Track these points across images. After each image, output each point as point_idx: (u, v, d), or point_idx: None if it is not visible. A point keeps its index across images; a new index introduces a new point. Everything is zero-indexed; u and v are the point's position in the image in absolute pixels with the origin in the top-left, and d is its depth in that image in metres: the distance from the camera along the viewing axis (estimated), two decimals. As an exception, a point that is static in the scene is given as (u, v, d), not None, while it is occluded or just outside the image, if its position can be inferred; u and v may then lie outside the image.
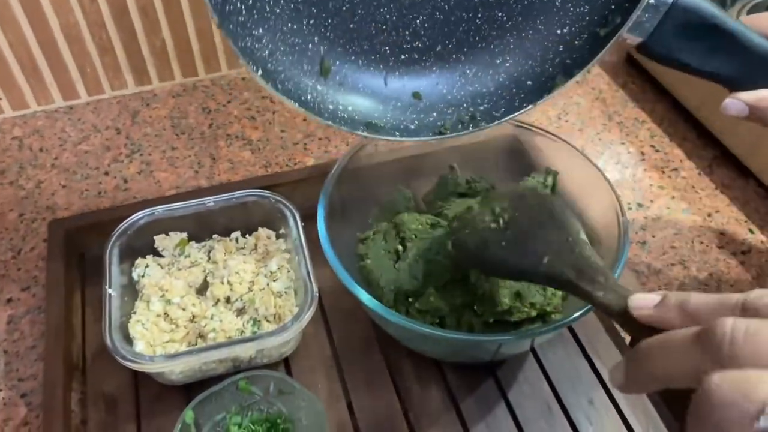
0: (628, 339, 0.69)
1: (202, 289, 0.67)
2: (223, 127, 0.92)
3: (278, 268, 0.67)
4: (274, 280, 0.66)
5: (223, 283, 0.65)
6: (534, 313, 0.59)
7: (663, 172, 0.88)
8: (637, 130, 0.93)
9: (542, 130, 0.70)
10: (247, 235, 0.72)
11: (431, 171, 0.74)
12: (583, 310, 0.56)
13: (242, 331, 0.63)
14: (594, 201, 0.67)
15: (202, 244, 0.71)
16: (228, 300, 0.65)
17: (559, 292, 0.62)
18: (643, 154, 0.90)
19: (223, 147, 0.89)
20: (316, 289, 0.62)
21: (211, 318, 0.62)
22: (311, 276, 0.63)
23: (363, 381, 0.65)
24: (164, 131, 0.91)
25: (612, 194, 0.64)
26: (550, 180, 0.68)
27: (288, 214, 0.69)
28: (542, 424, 0.62)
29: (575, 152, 0.68)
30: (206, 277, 0.67)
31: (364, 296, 0.56)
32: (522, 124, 0.71)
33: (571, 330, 0.69)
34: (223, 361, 0.61)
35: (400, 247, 0.64)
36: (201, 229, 0.71)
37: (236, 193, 0.70)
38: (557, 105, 0.97)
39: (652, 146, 0.91)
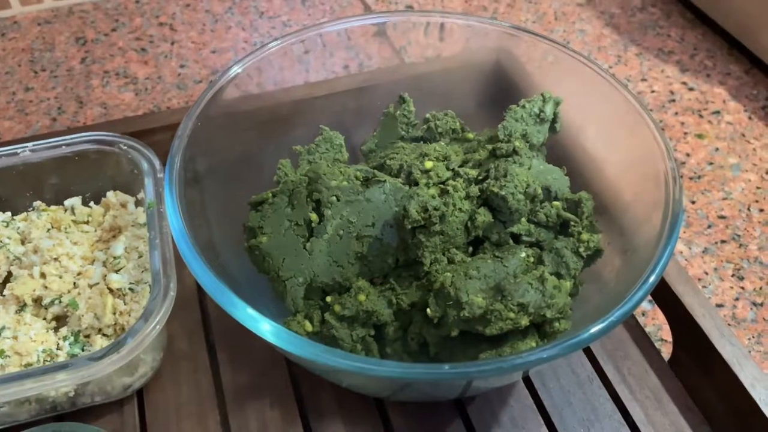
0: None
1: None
2: (100, 62, 0.67)
3: (126, 253, 0.43)
4: (116, 271, 0.42)
5: (32, 275, 0.41)
6: (525, 321, 0.36)
7: (701, 117, 0.64)
8: (662, 64, 0.69)
9: (539, 36, 0.46)
10: (92, 203, 0.48)
11: (374, 110, 0.51)
12: (609, 320, 0.32)
13: (52, 355, 0.39)
14: (620, 147, 0.43)
15: (22, 215, 0.46)
16: (39, 302, 0.41)
17: (567, 285, 0.38)
18: (672, 93, 0.66)
19: (97, 87, 0.65)
20: (173, 284, 0.38)
21: (0, 333, 0.38)
22: (169, 264, 0.39)
23: (259, 425, 0.41)
24: (18, 68, 0.66)
25: (653, 136, 0.40)
26: (548, 110, 0.44)
27: (145, 167, 0.45)
28: (539, 494, 0.39)
29: (592, 71, 0.44)
30: (12, 266, 0.43)
31: (234, 304, 0.33)
32: (508, 29, 0.47)
33: (583, 342, 0.45)
34: (22, 403, 0.38)
35: (313, 216, 0.40)
36: (20, 193, 0.47)
37: (67, 138, 0.45)
38: (555, 32, 0.73)
39: (683, 83, 0.67)
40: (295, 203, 0.40)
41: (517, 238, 0.40)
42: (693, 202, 0.57)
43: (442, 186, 0.40)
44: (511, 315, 0.35)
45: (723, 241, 0.54)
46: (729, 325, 0.44)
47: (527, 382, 0.43)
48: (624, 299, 0.34)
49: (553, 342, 0.32)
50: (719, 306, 0.51)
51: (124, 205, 0.47)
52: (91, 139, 0.46)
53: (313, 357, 0.30)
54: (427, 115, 0.48)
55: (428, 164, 0.42)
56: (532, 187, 0.40)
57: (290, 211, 0.40)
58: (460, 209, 0.39)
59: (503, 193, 0.39)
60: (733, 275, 0.52)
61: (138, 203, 0.47)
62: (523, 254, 0.39)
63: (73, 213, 0.46)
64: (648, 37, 0.72)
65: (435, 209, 0.38)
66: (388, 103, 0.50)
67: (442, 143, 0.46)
